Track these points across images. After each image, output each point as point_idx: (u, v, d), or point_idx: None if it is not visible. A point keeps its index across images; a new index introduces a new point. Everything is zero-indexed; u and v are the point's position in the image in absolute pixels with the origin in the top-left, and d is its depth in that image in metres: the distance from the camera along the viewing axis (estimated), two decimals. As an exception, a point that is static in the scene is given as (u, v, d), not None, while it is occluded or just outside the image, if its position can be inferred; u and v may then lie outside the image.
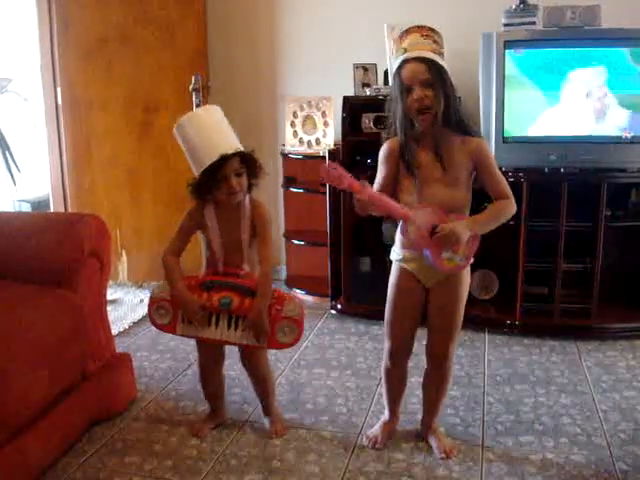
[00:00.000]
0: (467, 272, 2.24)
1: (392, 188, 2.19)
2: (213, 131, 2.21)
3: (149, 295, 2.37)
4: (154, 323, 2.38)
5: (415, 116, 2.07)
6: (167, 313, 2.33)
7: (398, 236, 2.23)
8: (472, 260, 2.18)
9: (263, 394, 2.51)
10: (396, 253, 2.26)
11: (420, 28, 2.10)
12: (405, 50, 2.08)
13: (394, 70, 2.11)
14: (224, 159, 2.16)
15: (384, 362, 2.37)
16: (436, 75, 2.03)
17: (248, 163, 2.24)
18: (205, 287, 2.27)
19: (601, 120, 3.25)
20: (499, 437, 2.42)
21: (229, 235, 2.28)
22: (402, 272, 2.24)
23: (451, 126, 2.10)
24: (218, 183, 2.20)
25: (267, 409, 2.52)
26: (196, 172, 2.22)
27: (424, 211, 2.08)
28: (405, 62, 2.06)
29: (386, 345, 2.34)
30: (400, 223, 2.12)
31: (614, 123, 3.24)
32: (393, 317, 2.29)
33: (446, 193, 2.12)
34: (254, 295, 2.24)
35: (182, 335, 2.37)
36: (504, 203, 2.15)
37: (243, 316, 2.26)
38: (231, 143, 2.20)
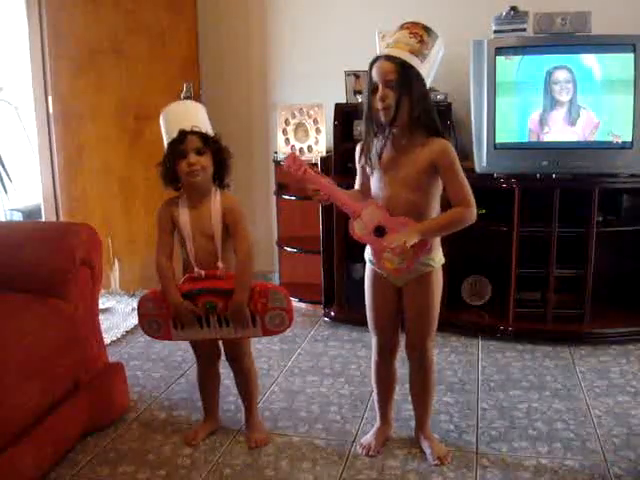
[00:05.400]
0: (439, 269, 2.24)
1: (368, 188, 2.24)
2: (182, 113, 2.28)
3: (137, 310, 2.36)
4: (148, 334, 2.39)
5: (378, 114, 2.08)
6: (159, 326, 2.33)
7: None
8: (414, 264, 2.14)
9: (246, 393, 2.50)
10: (368, 253, 2.28)
11: (414, 25, 2.07)
12: (388, 46, 2.08)
13: (368, 67, 2.10)
14: (184, 136, 2.20)
15: (373, 358, 2.40)
16: (403, 77, 2.01)
17: (213, 147, 2.27)
18: (185, 297, 2.26)
19: (592, 126, 3.26)
20: (493, 443, 2.42)
21: (201, 231, 2.28)
22: (374, 273, 2.28)
23: (418, 129, 2.09)
24: (178, 160, 2.22)
25: (249, 414, 2.51)
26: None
27: (373, 208, 2.13)
28: (377, 59, 2.06)
29: (373, 341, 2.37)
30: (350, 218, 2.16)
31: (605, 129, 3.25)
32: (373, 314, 2.33)
33: (406, 195, 2.12)
34: None
35: (178, 340, 2.39)
36: (459, 212, 2.09)
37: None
38: (194, 122, 2.24)
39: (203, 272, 2.27)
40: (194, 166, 2.22)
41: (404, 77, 2.01)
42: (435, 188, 2.15)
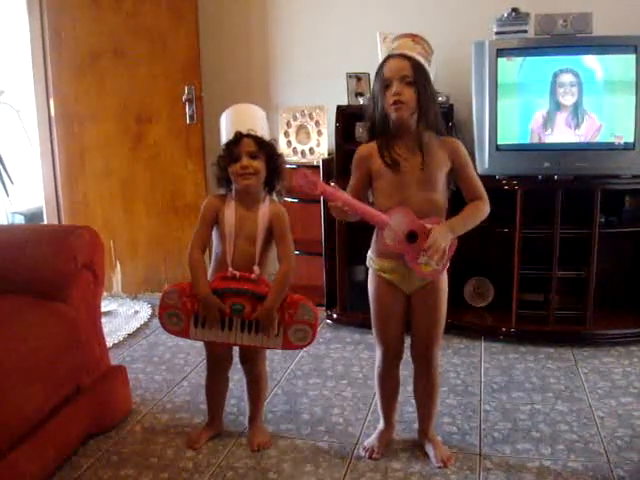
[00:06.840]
0: (444, 276, 2.24)
1: (364, 194, 2.22)
2: (241, 115, 2.29)
3: (159, 301, 2.32)
4: (165, 328, 2.36)
5: (391, 110, 2.08)
6: (179, 320, 2.31)
7: (373, 244, 2.26)
8: (448, 265, 2.16)
9: (255, 396, 2.49)
10: (373, 261, 2.26)
11: (413, 35, 2.12)
12: (393, 50, 2.11)
13: (378, 67, 2.12)
14: (239, 138, 2.21)
15: (377, 366, 2.38)
16: (417, 74, 2.05)
17: (267, 152, 2.26)
18: (215, 295, 2.25)
19: (594, 127, 3.25)
20: (496, 445, 2.41)
21: (245, 233, 2.28)
22: (380, 280, 2.25)
23: (430, 128, 2.11)
24: (232, 163, 2.23)
25: (254, 416, 2.50)
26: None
27: (399, 215, 2.10)
28: (389, 58, 2.09)
29: (378, 349, 2.36)
30: (377, 228, 2.14)
31: (607, 130, 3.24)
32: (379, 323, 2.31)
33: (424, 195, 2.13)
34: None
35: (195, 339, 2.36)
36: (479, 204, 2.17)
37: (256, 320, 2.25)
38: (251, 125, 2.24)
39: (238, 273, 2.25)
40: (246, 169, 2.22)
41: (419, 74, 2.05)
42: (446, 186, 2.19)
